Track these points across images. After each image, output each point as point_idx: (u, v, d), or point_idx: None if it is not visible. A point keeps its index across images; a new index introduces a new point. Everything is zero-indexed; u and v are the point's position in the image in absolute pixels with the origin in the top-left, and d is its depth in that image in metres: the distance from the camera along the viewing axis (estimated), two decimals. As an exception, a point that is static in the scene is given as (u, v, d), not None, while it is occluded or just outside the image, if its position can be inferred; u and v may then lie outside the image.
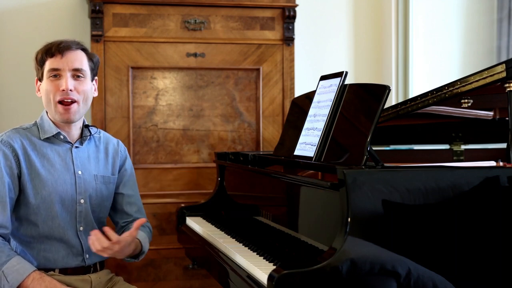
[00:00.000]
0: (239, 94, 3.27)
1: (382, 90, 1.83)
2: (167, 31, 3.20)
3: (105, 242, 1.86)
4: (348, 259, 1.47)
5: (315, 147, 2.00)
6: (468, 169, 1.68)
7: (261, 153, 2.68)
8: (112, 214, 2.23)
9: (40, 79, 2.04)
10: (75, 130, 2.08)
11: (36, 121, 2.09)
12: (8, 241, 2.00)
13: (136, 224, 1.91)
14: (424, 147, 3.09)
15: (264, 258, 1.78)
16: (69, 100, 1.99)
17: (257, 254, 1.84)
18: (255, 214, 2.26)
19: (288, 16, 3.28)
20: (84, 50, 2.06)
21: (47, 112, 2.08)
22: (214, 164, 2.88)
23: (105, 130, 3.07)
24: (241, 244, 2.00)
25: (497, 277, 1.63)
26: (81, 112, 2.04)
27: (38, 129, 2.06)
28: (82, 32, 3.39)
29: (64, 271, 2.02)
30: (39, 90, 2.07)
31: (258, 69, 3.29)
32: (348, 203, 1.52)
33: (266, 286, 1.52)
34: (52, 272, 2.00)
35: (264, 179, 2.19)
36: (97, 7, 3.07)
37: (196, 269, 3.19)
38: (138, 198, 2.25)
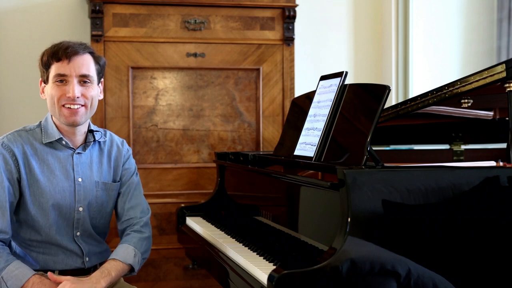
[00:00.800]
0: (239, 94, 3.27)
1: (382, 90, 1.83)
2: (167, 31, 3.20)
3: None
4: (348, 259, 1.47)
5: (315, 147, 2.00)
6: (468, 169, 1.68)
7: (261, 153, 2.68)
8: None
9: (45, 81, 2.00)
10: (79, 136, 2.05)
11: (40, 122, 2.06)
12: (9, 244, 1.99)
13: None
14: (424, 147, 3.09)
15: (264, 258, 1.78)
16: (76, 106, 1.96)
17: (257, 254, 1.84)
18: (255, 214, 2.26)
19: (288, 16, 3.28)
20: (91, 53, 2.02)
21: (52, 115, 2.05)
22: (214, 164, 2.88)
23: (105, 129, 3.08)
24: (241, 244, 2.00)
25: (497, 277, 1.63)
26: (87, 116, 2.01)
27: (42, 131, 2.03)
28: (82, 32, 3.39)
29: (64, 272, 2.01)
30: (43, 92, 2.04)
31: (258, 69, 3.29)
32: (348, 203, 1.52)
33: (266, 286, 1.52)
34: (51, 273, 2.00)
35: (264, 179, 2.19)
36: (97, 7, 3.07)
37: (196, 269, 3.19)
38: (133, 197, 2.17)
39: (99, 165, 2.10)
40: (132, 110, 3.16)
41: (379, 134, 2.08)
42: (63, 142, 2.02)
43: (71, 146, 2.04)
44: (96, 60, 2.03)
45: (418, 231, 1.56)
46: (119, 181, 2.15)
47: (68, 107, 1.95)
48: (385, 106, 1.97)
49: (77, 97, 1.95)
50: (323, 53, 3.84)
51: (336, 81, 2.06)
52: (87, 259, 2.05)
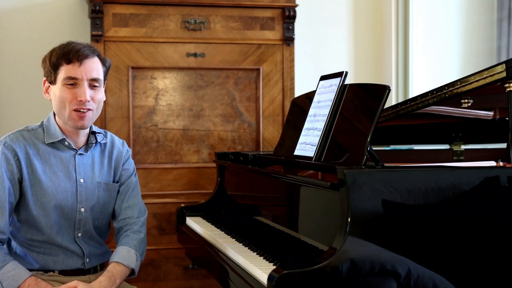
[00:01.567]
0: (239, 94, 3.27)
1: (382, 90, 1.83)
2: (167, 31, 3.20)
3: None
4: (348, 259, 1.47)
5: (315, 147, 2.00)
6: (468, 169, 1.68)
7: (261, 153, 2.68)
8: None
9: (52, 82, 1.98)
10: (81, 137, 2.05)
11: (42, 122, 2.06)
12: (9, 243, 1.99)
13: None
14: (424, 147, 3.09)
15: (264, 258, 1.78)
16: (85, 110, 1.95)
17: (257, 254, 1.84)
18: (255, 214, 2.26)
19: (288, 16, 3.28)
20: (98, 56, 2.01)
21: (54, 116, 2.04)
22: (214, 164, 2.88)
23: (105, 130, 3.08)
24: (241, 244, 2.00)
25: (497, 277, 1.63)
26: (93, 119, 2.01)
27: (44, 131, 2.02)
28: (82, 32, 3.39)
29: (64, 272, 2.02)
30: (47, 91, 2.02)
31: (258, 69, 3.29)
32: (348, 203, 1.52)
33: (266, 286, 1.52)
34: (51, 273, 2.00)
35: (264, 179, 2.19)
36: (97, 7, 3.07)
37: (196, 269, 3.19)
38: (131, 196, 2.17)
39: (100, 166, 2.10)
40: (132, 110, 3.16)
41: (379, 134, 2.08)
42: (66, 143, 2.02)
43: (74, 147, 2.03)
44: (103, 62, 2.03)
45: (418, 231, 1.56)
46: (118, 182, 2.15)
47: (78, 111, 1.94)
48: (385, 106, 1.97)
49: (87, 101, 1.94)
50: (323, 53, 3.84)
51: (336, 81, 2.06)
52: (87, 260, 2.05)
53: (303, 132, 2.14)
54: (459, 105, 2.21)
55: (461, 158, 2.88)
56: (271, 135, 3.30)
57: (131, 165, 2.21)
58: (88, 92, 1.94)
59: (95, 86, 1.98)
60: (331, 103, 2.02)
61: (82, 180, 2.03)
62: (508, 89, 1.88)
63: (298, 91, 3.23)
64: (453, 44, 3.90)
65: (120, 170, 2.16)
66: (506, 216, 1.63)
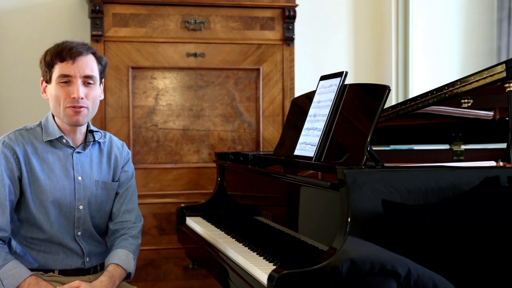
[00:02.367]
0: (239, 94, 3.27)
1: (382, 90, 1.83)
2: (167, 31, 3.20)
3: None
4: (348, 259, 1.47)
5: (315, 147, 2.00)
6: (468, 169, 1.68)
7: (261, 153, 2.68)
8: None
9: (48, 81, 2.00)
10: (79, 135, 2.06)
11: (41, 122, 2.07)
12: (9, 242, 1.99)
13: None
14: (424, 147, 3.09)
15: (264, 258, 1.78)
16: (79, 107, 1.96)
17: (257, 254, 1.84)
18: (255, 214, 2.26)
19: (288, 16, 3.28)
20: (93, 53, 2.02)
21: (53, 115, 2.05)
22: (214, 164, 2.88)
23: (105, 130, 3.08)
24: (241, 244, 2.00)
25: (497, 277, 1.63)
26: (89, 117, 2.01)
27: (42, 130, 2.03)
28: (82, 32, 3.39)
29: (64, 272, 2.02)
30: (44, 91, 2.04)
31: (258, 69, 3.29)
32: (348, 203, 1.52)
33: (266, 286, 1.52)
34: (51, 273, 2.00)
35: (264, 179, 2.19)
36: (97, 7, 3.07)
37: (196, 269, 3.19)
38: (123, 200, 2.17)
39: (99, 164, 2.11)
40: (132, 110, 3.16)
41: (379, 134, 2.08)
42: (64, 141, 2.03)
43: (71, 145, 2.04)
44: (99, 60, 2.04)
45: (418, 231, 1.56)
46: (117, 181, 2.15)
47: (72, 107, 1.95)
48: (385, 106, 1.97)
49: (81, 98, 1.95)
50: (323, 53, 3.84)
51: (336, 81, 2.06)
52: (87, 259, 2.05)
53: (303, 132, 2.14)
54: (459, 105, 2.21)
55: (461, 158, 2.88)
56: (271, 135, 3.30)
57: (131, 167, 2.22)
58: (81, 90, 1.95)
59: (89, 83, 1.98)
60: (331, 103, 2.02)
61: (80, 178, 2.04)
62: (508, 89, 1.88)
63: (298, 91, 3.23)
64: (453, 44, 3.90)
65: (120, 170, 2.16)
66: (506, 216, 1.63)
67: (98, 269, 2.10)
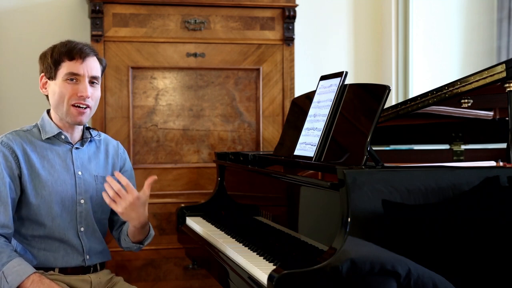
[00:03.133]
0: (239, 94, 3.27)
1: (382, 90, 1.83)
2: (167, 31, 3.20)
3: (118, 186, 1.92)
4: (348, 259, 1.47)
5: (315, 147, 2.00)
6: (468, 169, 1.68)
7: (261, 153, 2.68)
8: (110, 215, 2.22)
9: (52, 78, 2.02)
10: (76, 132, 2.10)
11: (36, 123, 2.09)
12: (10, 240, 2.00)
13: (147, 182, 1.97)
14: (424, 147, 3.09)
15: (264, 258, 1.78)
16: (84, 106, 2.00)
17: (257, 254, 1.84)
18: (255, 214, 2.26)
19: (288, 16, 3.28)
20: (96, 55, 2.07)
21: (48, 113, 2.08)
22: (214, 164, 2.88)
23: (105, 130, 3.08)
24: (241, 244, 2.00)
25: (497, 277, 1.63)
26: (90, 116, 2.06)
27: (39, 130, 2.06)
28: (82, 32, 3.39)
29: (64, 270, 2.02)
30: (43, 87, 2.06)
31: (258, 69, 3.29)
32: (348, 203, 1.52)
33: (266, 286, 1.52)
34: (51, 272, 2.01)
35: (264, 179, 2.19)
36: (97, 7, 3.07)
37: (196, 269, 3.19)
38: None
39: (96, 160, 2.14)
40: (132, 110, 3.16)
41: (379, 134, 2.07)
42: (62, 137, 2.06)
43: (70, 141, 2.07)
44: (100, 62, 2.10)
45: (418, 231, 1.56)
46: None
47: (77, 107, 2.00)
48: (385, 106, 1.97)
49: (87, 97, 2.00)
50: (323, 53, 3.84)
51: (336, 81, 2.06)
52: (87, 257, 2.05)
53: (303, 132, 2.14)
54: (459, 105, 2.21)
55: (461, 158, 2.88)
56: (271, 135, 3.30)
57: (129, 167, 2.27)
58: (89, 89, 2.01)
59: (93, 83, 2.04)
60: (331, 103, 2.02)
61: (80, 173, 2.07)
62: (508, 89, 1.88)
63: (298, 91, 3.23)
64: (453, 44, 3.90)
65: (118, 167, 2.21)
66: (506, 216, 1.63)
67: (98, 268, 2.10)
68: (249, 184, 2.40)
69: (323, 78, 2.16)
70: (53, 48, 2.03)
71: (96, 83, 2.05)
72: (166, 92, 3.20)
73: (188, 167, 3.22)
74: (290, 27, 3.31)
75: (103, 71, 2.11)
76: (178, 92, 3.22)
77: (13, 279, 1.86)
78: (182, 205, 2.75)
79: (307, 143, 2.07)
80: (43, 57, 2.05)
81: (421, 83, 3.79)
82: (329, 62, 3.83)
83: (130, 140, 3.14)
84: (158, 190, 3.18)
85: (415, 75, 3.82)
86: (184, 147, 3.22)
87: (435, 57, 3.89)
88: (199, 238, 2.32)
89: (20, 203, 2.00)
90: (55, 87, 2.01)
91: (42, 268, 2.00)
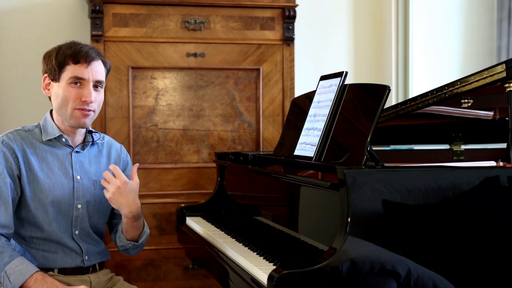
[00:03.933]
0: (239, 94, 3.27)
1: (382, 90, 1.83)
2: (167, 31, 3.20)
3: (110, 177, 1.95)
4: (348, 259, 1.47)
5: (315, 147, 2.00)
6: (468, 169, 1.68)
7: (261, 153, 2.68)
8: (110, 219, 2.22)
9: (55, 80, 2.00)
10: (78, 136, 2.07)
11: (39, 123, 2.07)
12: (10, 240, 2.00)
13: (132, 170, 2.02)
14: (424, 147, 3.09)
15: (264, 258, 1.78)
16: (88, 111, 1.99)
17: (257, 254, 1.84)
18: (255, 214, 2.26)
19: (288, 16, 3.28)
20: (101, 58, 2.05)
21: (51, 115, 2.06)
22: (214, 164, 2.88)
23: (105, 130, 3.08)
24: (241, 244, 2.00)
25: (497, 277, 1.63)
26: (93, 119, 2.05)
27: (41, 131, 2.04)
28: (82, 32, 3.39)
29: (63, 271, 2.02)
30: (46, 88, 2.04)
31: (258, 69, 3.29)
32: (348, 203, 1.52)
33: (266, 286, 1.52)
34: (51, 272, 2.00)
35: (264, 179, 2.19)
36: (97, 7, 3.07)
37: (196, 269, 3.19)
38: None
39: (97, 164, 2.12)
40: (132, 110, 3.16)
41: (379, 134, 2.08)
42: (63, 140, 2.04)
43: (70, 144, 2.05)
44: (105, 65, 2.07)
45: (418, 231, 1.56)
46: None
47: (81, 110, 1.98)
48: (385, 106, 1.97)
49: (92, 102, 1.98)
50: (323, 53, 3.84)
51: (336, 81, 2.06)
52: (86, 257, 2.05)
53: (303, 132, 2.14)
54: (459, 105, 2.21)
55: (461, 158, 2.88)
56: (271, 135, 3.30)
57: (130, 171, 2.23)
58: (93, 94, 1.99)
59: (97, 87, 2.02)
60: (331, 103, 2.02)
61: (78, 177, 2.05)
62: (508, 89, 1.88)
63: (298, 91, 3.23)
64: (453, 44, 3.90)
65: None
66: (506, 216, 1.63)
67: (97, 268, 2.10)
68: (249, 184, 2.40)
69: (323, 78, 2.16)
70: (58, 50, 1.99)
71: (100, 87, 2.02)
72: (166, 92, 3.20)
73: (188, 167, 3.22)
74: (290, 27, 3.31)
75: (107, 74, 2.09)
76: (178, 92, 3.22)
77: (16, 278, 1.86)
78: (182, 205, 2.75)
79: (307, 143, 2.07)
80: (47, 57, 2.02)
81: (421, 83, 3.79)
82: (329, 62, 3.83)
83: (130, 140, 3.14)
84: (158, 190, 3.18)
85: (415, 75, 3.82)
86: (184, 147, 3.23)
87: (435, 57, 3.89)
88: (199, 238, 2.32)
89: (19, 204, 1.99)
90: (58, 90, 1.99)
91: (42, 268, 1.99)
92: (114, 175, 1.96)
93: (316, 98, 2.15)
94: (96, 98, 2.01)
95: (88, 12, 3.27)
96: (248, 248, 1.92)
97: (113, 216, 2.20)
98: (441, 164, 1.84)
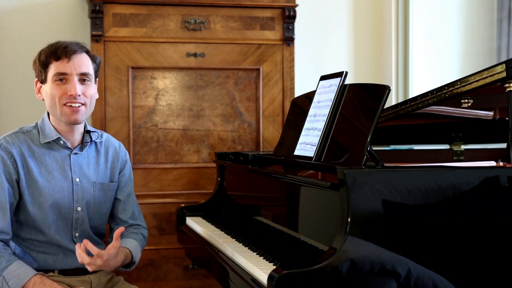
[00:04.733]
0: (239, 94, 3.27)
1: (382, 90, 1.83)
2: (167, 31, 3.20)
3: (85, 258, 1.84)
4: (348, 259, 1.47)
5: (315, 147, 2.00)
6: (468, 169, 1.68)
7: (261, 153, 2.68)
8: (109, 220, 2.22)
9: (43, 81, 2.00)
10: (76, 136, 2.06)
11: (37, 123, 2.07)
12: (8, 245, 1.99)
13: (115, 234, 1.89)
14: (424, 147, 3.09)
15: (264, 258, 1.78)
16: (77, 105, 1.97)
17: (257, 254, 1.84)
18: (255, 214, 2.26)
19: (288, 16, 3.28)
20: (87, 52, 2.03)
21: (48, 115, 2.05)
22: (214, 164, 2.88)
23: (105, 130, 3.08)
24: (241, 244, 2.00)
25: (497, 277, 1.63)
26: (86, 115, 2.02)
27: (39, 132, 2.03)
28: (82, 32, 3.39)
29: (64, 272, 2.02)
30: (39, 92, 2.04)
31: (258, 69, 3.29)
32: (348, 203, 1.52)
33: (266, 286, 1.52)
34: (51, 273, 2.00)
35: (264, 179, 2.19)
36: (97, 7, 3.07)
37: (196, 269, 3.19)
38: (132, 205, 2.21)
39: (96, 165, 2.11)
40: (132, 110, 3.16)
41: (379, 134, 2.08)
42: (61, 142, 2.03)
43: (69, 146, 2.04)
44: (93, 59, 2.05)
45: (418, 231, 1.56)
46: (116, 182, 2.16)
47: (69, 106, 1.96)
48: (385, 106, 1.97)
49: (78, 95, 1.96)
50: (323, 53, 3.84)
51: (336, 81, 2.06)
52: (86, 259, 2.05)
53: (303, 132, 2.14)
54: (459, 105, 2.21)
55: (461, 158, 2.88)
56: (271, 135, 3.30)
57: (128, 169, 2.23)
58: (78, 87, 1.96)
59: (85, 80, 1.99)
60: (331, 103, 2.02)
61: (78, 179, 2.04)
62: (508, 89, 1.88)
63: (298, 91, 3.23)
64: (453, 44, 3.90)
65: (118, 170, 2.17)
66: (506, 216, 1.63)
67: (97, 268, 2.10)
68: (249, 184, 2.40)
69: (323, 78, 2.16)
70: (41, 52, 2.00)
71: (88, 80, 1.99)
72: (166, 92, 3.20)
73: (188, 167, 3.22)
74: (290, 27, 3.31)
75: (97, 68, 2.06)
76: (178, 92, 3.22)
77: (15, 283, 1.85)
78: (182, 205, 2.75)
79: (307, 143, 2.07)
80: (34, 62, 2.02)
81: (421, 83, 3.79)
82: (329, 62, 3.83)
83: (130, 140, 3.14)
84: (158, 190, 3.18)
85: (415, 75, 3.82)
86: (184, 147, 3.22)
87: (435, 57, 3.89)
88: (199, 238, 2.32)
89: (18, 208, 1.99)
90: (47, 90, 1.98)
91: (42, 270, 1.99)
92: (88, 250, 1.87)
93: (316, 98, 2.15)
94: (85, 92, 1.98)
95: (88, 12, 3.27)
96: (248, 248, 1.92)
97: (111, 219, 2.21)
98: (441, 164, 1.84)
